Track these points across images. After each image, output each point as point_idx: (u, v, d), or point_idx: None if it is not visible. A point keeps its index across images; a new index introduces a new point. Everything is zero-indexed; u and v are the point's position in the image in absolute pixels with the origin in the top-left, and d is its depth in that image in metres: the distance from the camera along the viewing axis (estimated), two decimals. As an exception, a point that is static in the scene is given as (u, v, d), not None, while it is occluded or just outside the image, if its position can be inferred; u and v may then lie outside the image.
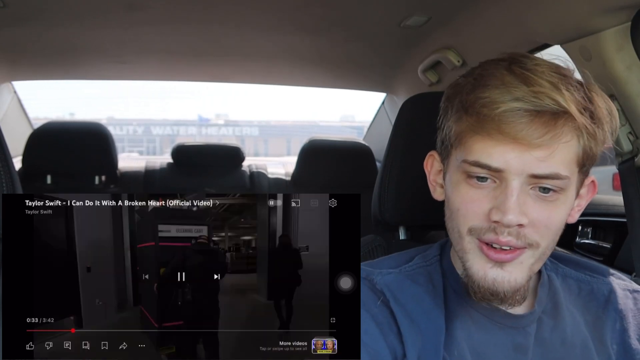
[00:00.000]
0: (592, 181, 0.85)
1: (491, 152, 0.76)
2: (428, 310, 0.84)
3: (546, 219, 0.78)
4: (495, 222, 0.77)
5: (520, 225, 0.77)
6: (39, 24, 1.96)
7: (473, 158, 0.78)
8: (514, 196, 0.75)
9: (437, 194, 0.89)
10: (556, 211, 0.79)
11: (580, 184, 0.82)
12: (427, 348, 0.82)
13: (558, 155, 0.75)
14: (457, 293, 0.87)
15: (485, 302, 0.82)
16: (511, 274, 0.79)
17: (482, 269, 0.80)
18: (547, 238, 0.79)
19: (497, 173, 0.77)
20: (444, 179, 0.87)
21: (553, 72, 0.76)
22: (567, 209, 0.80)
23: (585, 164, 0.80)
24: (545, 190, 0.77)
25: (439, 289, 0.87)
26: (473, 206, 0.79)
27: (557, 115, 0.74)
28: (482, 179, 0.78)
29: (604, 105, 0.79)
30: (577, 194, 0.83)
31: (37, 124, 2.83)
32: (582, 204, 0.86)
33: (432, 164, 0.90)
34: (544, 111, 0.74)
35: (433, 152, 0.90)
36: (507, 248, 0.78)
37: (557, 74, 0.76)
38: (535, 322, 0.86)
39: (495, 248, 0.78)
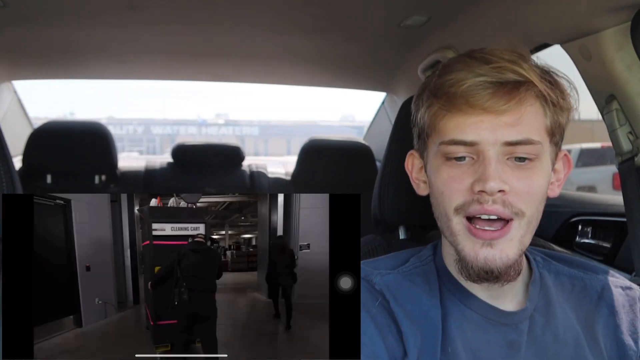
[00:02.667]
0: (565, 154, 0.89)
1: (464, 127, 0.81)
2: (426, 310, 0.85)
3: (527, 186, 0.81)
4: (479, 192, 0.80)
5: (503, 192, 0.79)
6: (39, 23, 1.96)
7: (448, 137, 0.82)
8: (493, 165, 0.79)
9: (421, 189, 0.92)
10: (535, 178, 0.82)
11: (555, 156, 0.86)
12: (426, 348, 0.83)
13: (526, 120, 0.80)
14: (451, 292, 0.88)
15: (481, 283, 0.83)
16: (502, 251, 0.81)
17: (472, 250, 0.82)
18: (531, 206, 0.82)
19: (473, 148, 0.80)
20: (425, 172, 0.90)
21: (511, 52, 0.82)
22: (545, 176, 0.83)
23: (555, 133, 0.84)
24: (521, 159, 0.81)
25: (435, 289, 0.88)
26: (455, 184, 0.82)
27: (519, 84, 0.80)
28: (460, 159, 0.82)
29: (563, 79, 0.85)
30: (553, 167, 0.86)
31: (37, 124, 2.82)
32: (560, 178, 0.89)
33: (412, 163, 0.93)
34: (507, 82, 0.79)
35: (412, 151, 0.93)
36: (495, 218, 0.80)
37: (515, 53, 0.82)
38: (527, 319, 0.87)
39: (482, 229, 0.81)
